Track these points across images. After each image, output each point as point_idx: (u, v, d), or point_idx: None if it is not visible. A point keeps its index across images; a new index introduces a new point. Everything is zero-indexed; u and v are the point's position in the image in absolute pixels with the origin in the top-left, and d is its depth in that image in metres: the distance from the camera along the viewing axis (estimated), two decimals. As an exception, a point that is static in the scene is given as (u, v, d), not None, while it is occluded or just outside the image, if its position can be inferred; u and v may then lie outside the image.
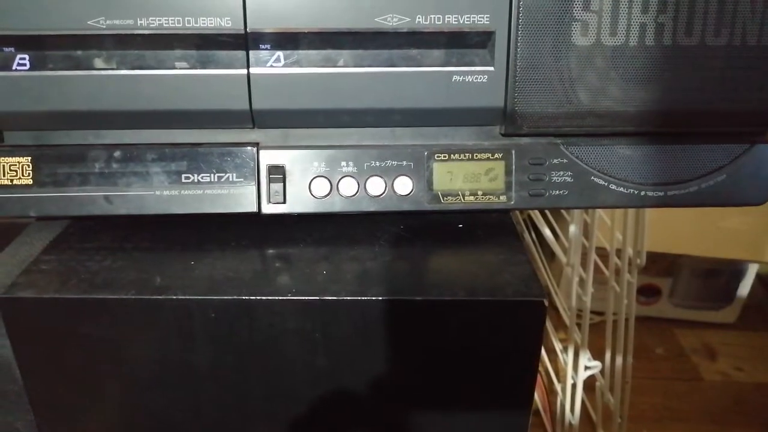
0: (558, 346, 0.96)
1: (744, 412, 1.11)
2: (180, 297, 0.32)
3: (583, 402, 0.95)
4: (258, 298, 0.33)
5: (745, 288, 1.32)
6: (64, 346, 0.34)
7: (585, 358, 0.90)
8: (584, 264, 0.85)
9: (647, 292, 1.29)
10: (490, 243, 0.39)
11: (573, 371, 0.90)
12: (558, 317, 0.98)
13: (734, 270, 1.29)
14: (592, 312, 0.89)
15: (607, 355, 0.93)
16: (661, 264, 1.26)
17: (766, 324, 1.33)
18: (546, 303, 0.33)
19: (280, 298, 0.33)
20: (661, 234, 1.02)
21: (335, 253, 0.38)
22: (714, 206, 0.41)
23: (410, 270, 0.36)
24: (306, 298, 0.33)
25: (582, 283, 0.85)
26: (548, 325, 1.03)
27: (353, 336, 0.34)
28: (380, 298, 0.33)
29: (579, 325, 0.88)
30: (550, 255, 1.03)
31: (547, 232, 0.90)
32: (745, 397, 1.15)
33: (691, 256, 1.23)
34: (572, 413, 0.92)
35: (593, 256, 0.81)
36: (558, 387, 0.96)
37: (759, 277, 1.33)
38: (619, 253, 0.86)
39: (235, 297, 0.33)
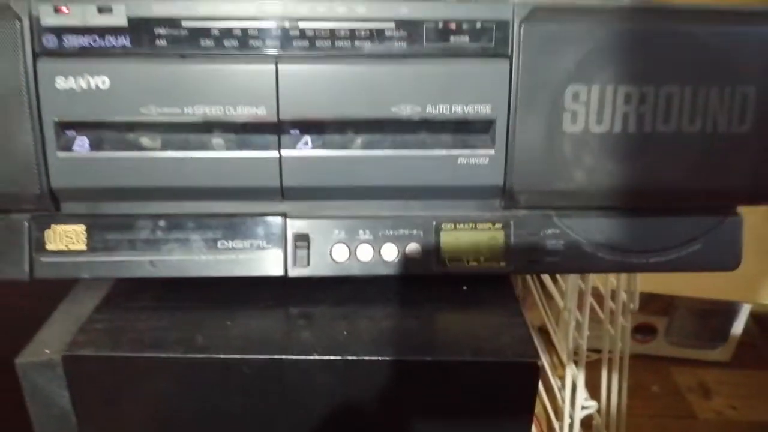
0: (556, 385, 1.00)
1: (738, 452, 1.14)
2: (220, 356, 0.37)
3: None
4: (287, 357, 0.37)
5: (738, 327, 1.35)
6: (118, 398, 0.38)
7: (582, 397, 0.94)
8: (581, 305, 0.90)
9: (644, 331, 1.33)
10: (490, 305, 0.43)
11: (571, 409, 0.94)
12: (556, 356, 1.02)
13: (728, 310, 1.33)
14: (589, 350, 0.93)
15: (603, 394, 0.97)
16: (657, 304, 1.30)
17: (759, 362, 1.36)
18: (539, 364, 0.38)
19: (306, 357, 0.37)
20: (657, 275, 1.07)
21: (353, 313, 0.42)
22: (691, 271, 0.46)
23: (419, 330, 0.41)
24: (329, 357, 0.37)
25: (578, 325, 0.89)
26: (546, 364, 1.07)
27: (369, 390, 0.38)
28: (394, 358, 0.38)
29: (576, 362, 0.92)
30: (550, 294, 1.08)
31: (545, 277, 0.95)
32: (739, 436, 1.18)
33: (686, 297, 1.27)
34: (570, 451, 0.96)
35: (589, 301, 0.86)
36: (556, 425, 1.00)
37: (752, 316, 1.37)
38: (614, 295, 0.90)
39: (267, 356, 0.37)
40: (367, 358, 0.37)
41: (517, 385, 0.38)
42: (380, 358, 0.37)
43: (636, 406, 1.17)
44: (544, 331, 1.11)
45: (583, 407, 0.94)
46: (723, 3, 0.42)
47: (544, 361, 1.10)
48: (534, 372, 0.38)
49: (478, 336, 0.40)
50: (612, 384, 0.95)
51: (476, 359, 0.37)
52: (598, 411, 0.97)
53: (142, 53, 0.39)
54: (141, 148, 0.41)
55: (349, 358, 0.37)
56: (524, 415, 0.39)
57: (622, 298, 0.87)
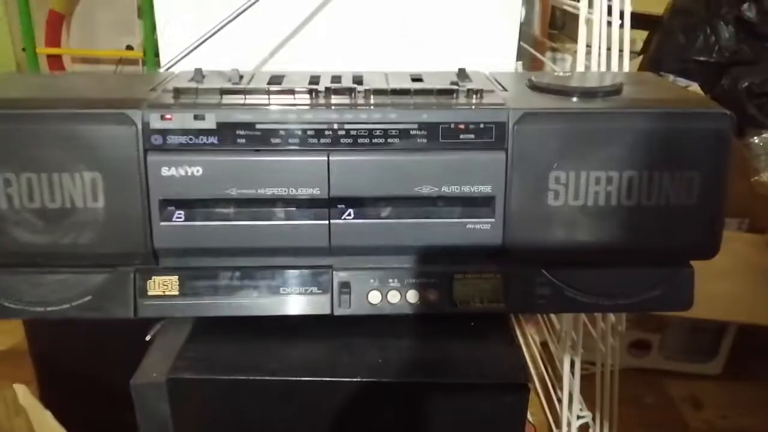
0: (556, 396, 1.12)
1: (726, 458, 1.25)
2: (286, 378, 0.49)
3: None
4: (336, 379, 0.50)
5: (728, 341, 1.46)
6: (209, 411, 0.50)
7: (578, 408, 1.05)
8: (576, 327, 1.01)
9: (639, 346, 1.44)
10: (491, 337, 0.55)
11: (569, 417, 1.05)
12: (556, 370, 1.13)
13: (718, 326, 1.44)
14: (587, 362, 1.04)
15: (597, 405, 1.08)
16: (651, 321, 1.41)
17: (748, 375, 1.47)
18: (529, 386, 0.50)
19: (350, 379, 0.50)
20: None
21: (384, 344, 0.55)
22: (652, 312, 0.58)
23: (433, 358, 0.53)
24: (366, 380, 0.50)
25: (574, 344, 1.00)
26: (548, 377, 1.19)
27: (393, 405, 0.51)
28: (415, 380, 0.50)
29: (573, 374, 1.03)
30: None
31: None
32: (728, 444, 1.29)
33: (679, 315, 1.39)
34: (567, 455, 1.07)
35: (582, 323, 0.97)
36: (556, 432, 1.11)
37: (741, 330, 1.47)
38: (605, 317, 1.02)
39: (320, 378, 0.50)
40: (397, 380, 0.49)
41: (510, 402, 0.50)
42: (405, 381, 0.50)
43: (631, 415, 1.27)
44: (546, 345, 1.23)
45: (578, 416, 1.05)
46: (671, 105, 0.54)
47: (545, 374, 1.22)
48: (524, 392, 0.50)
49: (480, 362, 0.52)
50: (605, 395, 1.06)
51: (478, 381, 0.50)
52: (594, 420, 1.08)
53: (226, 149, 0.52)
54: (223, 218, 0.53)
55: (384, 380, 0.49)
56: (517, 429, 0.51)
57: (611, 320, 0.98)
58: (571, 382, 1.03)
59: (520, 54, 0.84)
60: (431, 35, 0.77)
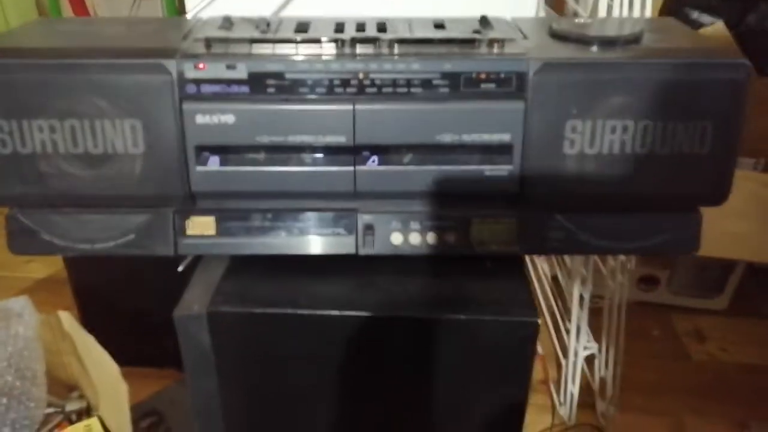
0: (564, 328, 1.17)
1: (725, 388, 1.30)
2: (317, 312, 0.54)
3: (585, 374, 1.16)
4: (362, 313, 0.54)
5: (735, 278, 1.50)
6: (246, 342, 0.56)
7: (585, 339, 1.11)
8: (587, 263, 1.05)
9: (647, 281, 1.48)
10: (504, 276, 0.59)
11: (576, 347, 1.11)
12: (565, 303, 1.18)
13: (726, 263, 1.47)
14: (595, 296, 1.08)
15: (604, 337, 1.13)
16: (660, 257, 1.44)
17: (752, 311, 1.51)
18: (539, 322, 0.54)
19: (372, 314, 0.54)
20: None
21: (405, 281, 0.59)
22: (662, 255, 0.61)
23: (449, 295, 0.57)
24: (389, 314, 0.54)
25: (584, 280, 1.05)
26: (557, 309, 1.24)
27: (412, 339, 0.55)
28: (430, 315, 0.54)
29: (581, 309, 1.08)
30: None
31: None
32: (727, 375, 1.34)
33: (687, 253, 1.41)
34: (574, 384, 1.14)
35: (592, 260, 1.01)
36: (563, 362, 1.17)
37: (749, 268, 1.50)
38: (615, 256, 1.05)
39: (348, 312, 0.54)
40: (415, 315, 0.54)
41: (520, 338, 0.54)
42: (425, 316, 0.54)
43: (637, 347, 1.32)
44: (557, 279, 1.27)
45: (585, 347, 1.11)
46: (691, 56, 0.55)
47: (555, 307, 1.27)
48: (534, 328, 0.54)
49: (494, 300, 0.56)
50: (612, 328, 1.11)
51: (491, 318, 0.54)
52: (600, 350, 1.14)
53: (257, 98, 0.54)
54: (256, 163, 0.56)
55: (403, 314, 0.54)
56: (526, 365, 0.55)
57: (621, 258, 1.02)
58: (579, 314, 1.08)
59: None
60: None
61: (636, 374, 1.28)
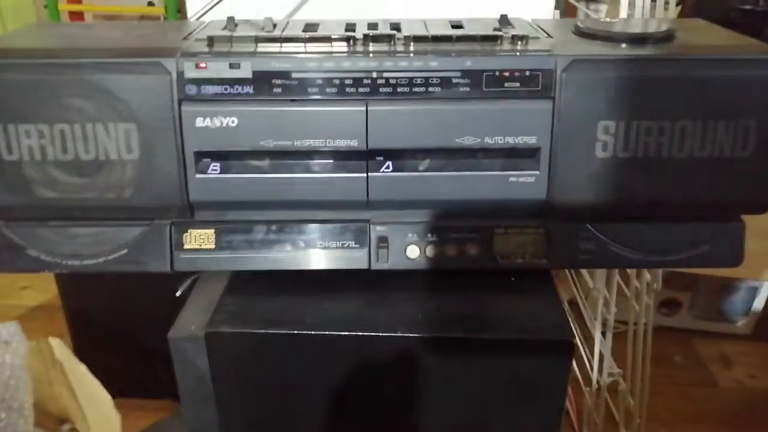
0: (585, 354, 1.11)
1: (756, 417, 1.24)
2: (323, 333, 0.49)
3: (608, 403, 1.10)
4: (374, 334, 0.49)
5: (760, 302, 1.43)
6: (246, 365, 0.50)
7: (608, 365, 1.05)
8: (609, 284, 1.00)
9: (669, 305, 1.42)
10: (533, 294, 0.54)
11: (598, 375, 1.05)
12: (586, 328, 1.12)
13: (750, 286, 1.41)
14: (617, 321, 1.03)
15: (629, 363, 1.07)
16: (681, 280, 1.39)
17: (779, 335, 1.45)
18: (573, 342, 0.48)
19: (388, 334, 0.49)
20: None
21: (423, 300, 0.54)
22: (701, 268, 0.56)
23: (475, 314, 0.52)
24: (405, 334, 0.49)
25: (606, 301, 0.99)
26: (577, 335, 1.18)
27: (433, 359, 0.50)
28: (456, 335, 0.49)
29: (603, 333, 1.02)
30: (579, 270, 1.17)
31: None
32: (757, 403, 1.27)
33: (710, 274, 1.36)
34: (597, 414, 1.07)
35: (616, 280, 0.96)
36: (585, 390, 1.11)
37: (775, 291, 1.44)
38: (639, 274, 1.00)
39: (358, 333, 0.49)
40: (437, 335, 0.49)
41: (554, 360, 0.49)
42: (445, 335, 0.49)
43: (660, 374, 1.26)
44: (573, 304, 1.22)
45: (609, 374, 1.05)
46: (728, 51, 0.51)
47: (575, 332, 1.21)
48: (568, 349, 0.49)
49: (523, 319, 0.51)
50: (637, 354, 1.05)
51: (521, 337, 0.49)
52: (623, 378, 1.08)
53: (262, 99, 0.50)
54: (260, 170, 0.52)
55: (423, 335, 0.49)
56: (560, 387, 0.50)
57: (647, 278, 0.96)
58: (601, 340, 1.02)
59: (556, 3, 0.80)
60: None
61: (661, 403, 1.22)
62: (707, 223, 0.55)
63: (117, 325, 1.11)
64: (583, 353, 1.14)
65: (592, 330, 1.05)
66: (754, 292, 1.41)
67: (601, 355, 1.03)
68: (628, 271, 1.01)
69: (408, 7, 0.73)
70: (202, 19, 0.64)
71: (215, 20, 0.62)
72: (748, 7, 1.10)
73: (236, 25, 0.58)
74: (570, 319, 1.21)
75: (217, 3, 0.65)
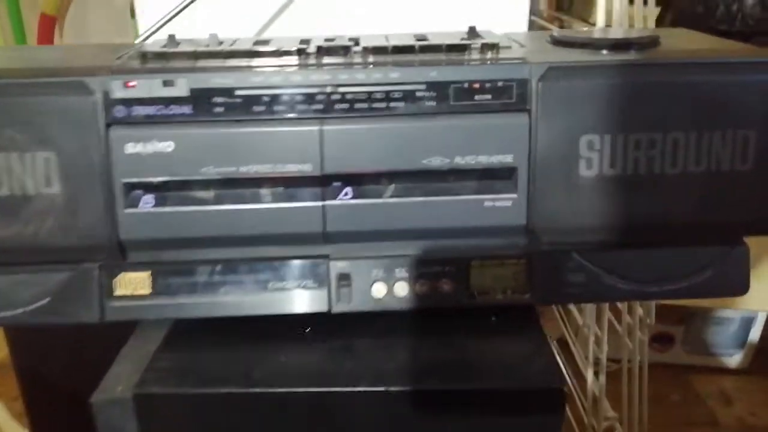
0: (577, 395, 1.03)
1: (760, 457, 1.17)
2: (275, 390, 0.41)
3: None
4: (334, 389, 0.42)
5: (756, 333, 1.38)
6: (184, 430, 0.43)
7: (604, 410, 0.97)
8: (600, 320, 0.93)
9: (661, 340, 1.36)
10: (516, 335, 0.47)
11: (594, 420, 0.97)
12: (575, 367, 1.05)
13: (745, 317, 1.36)
14: (609, 360, 0.96)
15: (624, 404, 1.00)
16: (673, 313, 1.33)
17: (776, 369, 1.38)
18: (565, 390, 0.42)
19: (351, 389, 0.42)
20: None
21: (391, 344, 0.47)
22: (702, 298, 0.50)
23: (451, 360, 0.45)
24: (373, 389, 0.42)
25: (597, 339, 0.92)
26: (567, 376, 1.11)
27: (404, 417, 0.43)
28: (430, 387, 0.42)
29: (596, 373, 0.95)
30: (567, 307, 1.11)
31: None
32: (761, 442, 1.20)
33: (703, 306, 1.30)
34: (593, 461, 0.99)
35: (607, 317, 0.89)
36: (579, 436, 1.03)
37: (769, 322, 1.39)
38: (631, 309, 0.94)
39: (313, 389, 0.42)
40: (408, 388, 0.42)
41: (544, 410, 0.42)
42: (419, 388, 0.41)
43: (657, 414, 1.19)
44: (562, 342, 1.15)
45: (605, 418, 0.97)
46: (721, 55, 0.46)
47: (564, 372, 1.13)
48: (561, 397, 0.42)
49: (506, 364, 0.44)
50: (633, 394, 0.98)
51: (504, 387, 0.42)
52: (620, 422, 1.00)
53: (202, 120, 0.44)
54: (200, 203, 0.45)
55: (393, 389, 0.41)
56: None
57: (639, 313, 0.90)
58: (594, 382, 0.95)
59: (529, 28, 0.76)
60: (437, 5, 0.70)
61: (660, 446, 1.15)
62: (708, 248, 0.49)
63: (71, 383, 1.02)
64: (575, 395, 1.06)
65: (583, 370, 0.99)
66: (749, 323, 1.36)
67: (595, 398, 0.96)
68: (619, 305, 0.95)
69: (375, 27, 0.69)
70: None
71: (158, 40, 0.56)
72: (723, 27, 1.07)
73: (178, 44, 0.52)
74: (560, 359, 1.15)
75: (165, 23, 0.60)
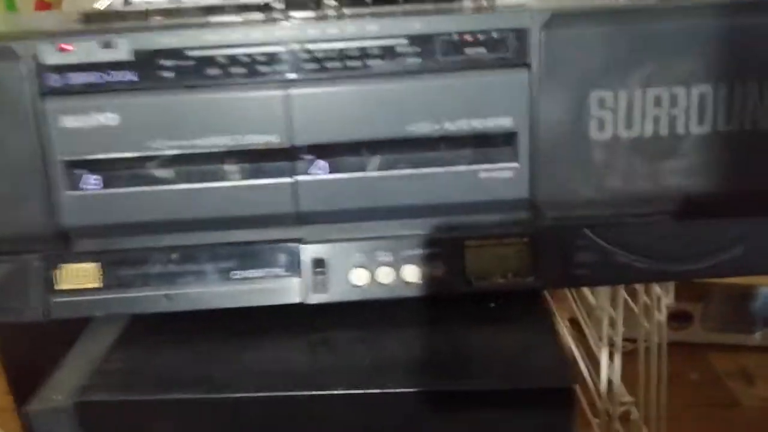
0: (590, 378, 0.98)
1: (786, 438, 1.11)
2: (238, 395, 0.36)
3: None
4: (307, 393, 0.36)
5: (778, 309, 1.31)
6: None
7: (619, 393, 0.92)
8: (614, 301, 0.87)
9: (679, 318, 1.30)
10: (520, 324, 0.41)
11: (608, 404, 0.92)
12: (589, 348, 0.99)
13: (767, 292, 1.29)
14: (625, 340, 0.90)
15: (641, 387, 0.94)
16: (691, 290, 1.27)
17: (800, 345, 1.32)
18: (576, 388, 0.36)
19: (326, 392, 0.36)
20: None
21: (373, 339, 0.41)
22: (733, 276, 0.44)
23: (444, 356, 0.39)
24: (351, 392, 0.36)
25: (612, 322, 0.86)
26: (580, 358, 1.05)
27: (391, 423, 0.37)
28: (419, 389, 0.36)
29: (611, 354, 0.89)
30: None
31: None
32: (787, 422, 1.15)
33: (723, 282, 1.24)
34: (609, 448, 0.94)
35: (622, 298, 0.83)
36: (593, 421, 0.98)
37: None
38: (647, 288, 0.88)
39: (285, 393, 0.36)
40: (390, 390, 0.36)
41: (551, 412, 0.36)
42: (404, 390, 0.36)
43: (675, 395, 1.13)
44: (574, 322, 1.09)
45: (620, 403, 0.92)
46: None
47: (577, 353, 1.08)
48: (570, 398, 0.36)
49: (507, 360, 0.38)
50: (650, 377, 0.92)
51: (504, 387, 0.36)
52: (636, 405, 0.95)
53: (150, 87, 0.38)
54: (153, 182, 0.39)
55: (372, 391, 0.36)
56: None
57: (657, 292, 0.84)
58: (609, 365, 0.89)
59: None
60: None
61: (678, 428, 1.09)
62: (739, 220, 0.43)
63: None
64: (588, 379, 1.01)
65: (597, 352, 0.93)
66: (770, 298, 1.29)
67: (610, 382, 0.91)
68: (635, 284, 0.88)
69: None
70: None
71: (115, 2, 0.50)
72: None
73: (130, 3, 0.46)
74: (572, 340, 1.09)
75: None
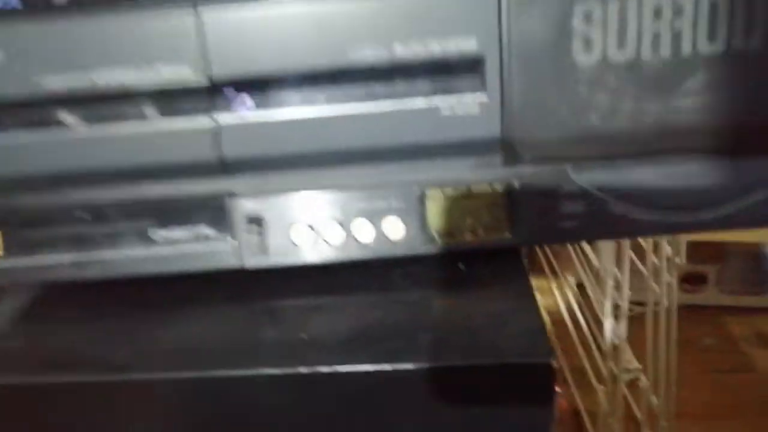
0: (595, 345, 0.92)
1: (802, 403, 1.05)
2: (141, 377, 0.30)
3: (626, 400, 0.91)
4: (227, 373, 0.30)
5: (799, 268, 1.24)
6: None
7: (625, 360, 0.86)
8: (620, 262, 0.80)
9: (692, 280, 1.23)
10: (493, 288, 0.35)
11: (614, 367, 0.86)
12: (596, 315, 0.93)
13: (786, 251, 1.22)
14: (633, 302, 0.84)
15: (649, 353, 0.88)
16: (706, 251, 1.19)
17: (822, 307, 1.25)
18: (554, 364, 0.29)
19: (252, 372, 0.30)
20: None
21: (322, 308, 0.35)
22: (751, 228, 0.37)
23: (402, 327, 0.33)
24: (283, 371, 0.30)
25: (618, 284, 0.80)
26: (585, 323, 0.99)
27: (338, 408, 0.31)
28: (367, 368, 0.30)
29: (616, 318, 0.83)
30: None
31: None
32: (803, 387, 1.08)
33: (740, 242, 1.16)
34: (614, 416, 0.88)
35: (628, 258, 0.76)
36: (599, 389, 0.92)
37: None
38: (657, 248, 0.81)
39: (201, 374, 0.30)
40: (334, 369, 0.30)
41: (527, 389, 0.30)
42: (347, 370, 0.29)
43: (686, 361, 1.07)
44: (582, 287, 1.03)
45: (626, 370, 0.86)
46: None
47: (582, 319, 1.01)
48: (548, 374, 0.29)
49: (475, 331, 0.32)
50: (659, 343, 0.86)
51: (470, 363, 0.30)
52: (644, 372, 0.89)
53: (35, 13, 0.31)
54: (47, 125, 0.33)
55: (307, 371, 0.30)
56: (542, 426, 0.31)
57: (667, 251, 0.77)
58: (615, 330, 0.83)
59: None
60: None
61: (690, 395, 1.03)
62: (757, 160, 0.35)
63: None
64: (592, 344, 0.95)
65: (601, 315, 0.86)
66: (791, 257, 1.22)
67: (616, 348, 0.84)
68: (642, 242, 0.81)
69: None
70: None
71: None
72: None
73: None
74: (576, 303, 1.02)
75: None
